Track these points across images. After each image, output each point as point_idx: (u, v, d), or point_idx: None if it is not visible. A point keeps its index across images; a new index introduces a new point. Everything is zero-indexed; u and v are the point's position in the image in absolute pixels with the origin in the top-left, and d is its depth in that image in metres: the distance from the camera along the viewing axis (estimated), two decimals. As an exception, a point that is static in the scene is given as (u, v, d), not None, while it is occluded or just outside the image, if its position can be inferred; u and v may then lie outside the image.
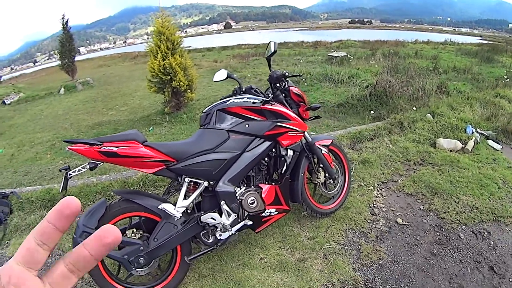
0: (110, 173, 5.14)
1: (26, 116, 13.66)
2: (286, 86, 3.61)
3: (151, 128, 8.69)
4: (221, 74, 3.43)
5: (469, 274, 3.22)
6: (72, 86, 18.85)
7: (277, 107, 3.31)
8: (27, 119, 13.06)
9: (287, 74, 3.54)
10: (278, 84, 3.53)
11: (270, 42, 3.52)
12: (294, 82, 11.05)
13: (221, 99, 3.37)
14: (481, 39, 55.14)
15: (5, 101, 19.01)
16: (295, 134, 3.42)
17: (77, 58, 23.95)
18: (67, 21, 22.12)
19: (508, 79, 11.10)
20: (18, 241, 3.94)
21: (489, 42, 42.12)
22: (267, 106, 3.23)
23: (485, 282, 3.13)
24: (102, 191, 4.48)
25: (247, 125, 3.16)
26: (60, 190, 2.51)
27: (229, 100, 3.22)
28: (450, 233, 3.75)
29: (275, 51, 3.41)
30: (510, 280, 3.15)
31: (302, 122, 3.52)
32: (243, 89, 3.49)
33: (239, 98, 3.26)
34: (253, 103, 3.22)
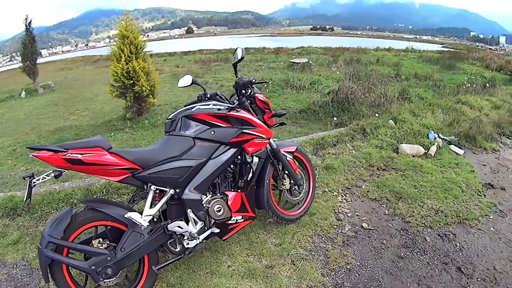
0: (73, 180, 5.02)
1: None
2: (252, 92, 3.61)
3: (112, 134, 8.59)
4: (186, 80, 3.41)
5: (437, 276, 3.30)
6: (33, 89, 18.55)
7: (243, 113, 3.32)
8: None
9: (254, 81, 3.53)
10: (244, 91, 3.53)
11: (237, 48, 3.51)
12: (258, 88, 11.14)
13: (185, 105, 3.36)
14: (442, 47, 56.86)
15: (-36, 104, 18.36)
16: (260, 141, 3.43)
17: (38, 60, 23.37)
18: (30, 22, 21.65)
19: (469, 85, 11.46)
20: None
21: (451, 49, 43.52)
22: (233, 112, 3.24)
23: (453, 283, 3.22)
24: (65, 198, 4.35)
25: (212, 132, 3.15)
26: (24, 199, 2.47)
27: (194, 107, 3.20)
28: (416, 237, 3.84)
29: (242, 58, 3.41)
30: (478, 279, 3.26)
31: (267, 129, 3.54)
32: (208, 95, 3.47)
33: (205, 105, 3.24)
34: (219, 109, 3.21)
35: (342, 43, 40.75)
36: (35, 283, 3.29)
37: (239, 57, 3.42)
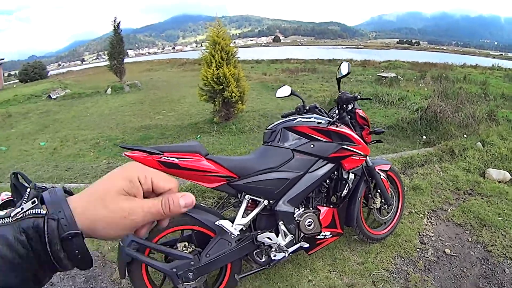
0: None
1: (72, 112, 13.87)
2: (353, 108, 3.51)
3: (198, 136, 8.74)
4: (285, 91, 3.40)
5: (510, 311, 3.10)
6: (119, 87, 19.27)
7: (343, 129, 3.22)
8: (72, 115, 13.28)
9: (358, 96, 3.44)
10: (345, 106, 3.43)
11: (342, 63, 3.40)
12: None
13: (282, 116, 3.33)
14: (529, 65, 53.37)
15: (51, 95, 19.54)
16: (358, 158, 3.32)
17: (125, 60, 24.20)
18: (118, 24, 22.35)
19: None
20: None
21: (538, 68, 40.73)
22: (334, 127, 3.15)
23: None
24: None
25: (312, 146, 3.06)
26: None
27: (296, 119, 3.13)
28: (496, 267, 3.63)
29: (348, 73, 3.31)
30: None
31: (365, 146, 3.43)
32: (307, 107, 3.41)
33: (306, 117, 3.16)
34: (319, 123, 3.14)
35: (428, 58, 39.24)
36: (107, 275, 3.39)
37: (344, 73, 3.32)
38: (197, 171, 2.52)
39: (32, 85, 25.29)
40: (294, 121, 3.11)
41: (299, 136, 3.08)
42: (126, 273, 2.63)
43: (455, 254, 3.84)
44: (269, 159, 2.92)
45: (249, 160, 2.92)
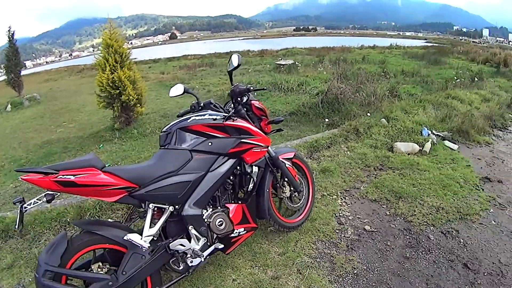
0: (64, 197, 4.94)
1: None
2: (248, 100, 3.53)
3: (101, 145, 8.49)
4: (178, 89, 3.34)
5: (444, 274, 3.29)
6: (19, 102, 18.33)
7: (240, 122, 3.24)
8: None
9: (251, 88, 3.45)
10: (239, 99, 3.45)
11: (232, 55, 3.41)
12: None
13: (178, 116, 3.29)
14: (426, 42, 57.38)
15: None
16: (259, 150, 3.35)
17: (23, 72, 23.11)
18: (13, 34, 21.30)
19: (457, 80, 11.51)
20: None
21: (435, 44, 43.73)
22: (230, 122, 3.15)
23: (461, 280, 3.21)
24: (58, 217, 4.23)
25: (210, 143, 3.05)
26: (17, 226, 2.36)
27: (190, 118, 3.11)
28: (419, 236, 3.84)
29: (238, 65, 3.32)
30: (485, 274, 3.27)
31: (266, 137, 3.47)
32: (202, 104, 3.39)
33: (200, 115, 3.15)
34: (214, 119, 3.13)
35: (326, 42, 40.78)
36: None
37: (235, 65, 3.33)
38: (95, 186, 2.45)
39: None
40: (188, 121, 3.08)
41: (195, 136, 3.07)
42: None
43: (375, 230, 4.01)
44: (167, 163, 2.88)
45: (147, 167, 2.85)
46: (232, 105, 3.52)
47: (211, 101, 3.45)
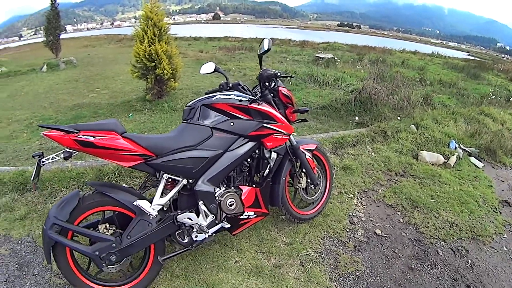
0: (86, 159, 4.99)
1: (6, 92, 13.50)
2: (275, 86, 3.52)
3: (130, 114, 8.62)
4: (209, 67, 3.32)
5: (445, 292, 3.21)
6: (55, 64, 18.79)
7: (265, 107, 3.23)
8: (6, 95, 12.93)
9: (278, 74, 3.42)
10: (267, 83, 3.44)
11: (264, 39, 3.40)
12: (281, 81, 11.11)
13: (206, 93, 3.29)
14: (468, 55, 56.39)
15: (-14, 74, 18.62)
16: (280, 137, 3.34)
17: (62, 36, 23.81)
18: None
19: (493, 97, 11.26)
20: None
21: (476, 58, 42.94)
22: (254, 105, 3.15)
23: (461, 301, 3.13)
24: (77, 177, 4.32)
25: (232, 124, 3.06)
26: (32, 178, 2.42)
27: (215, 96, 3.12)
28: (428, 249, 3.75)
29: (268, 49, 3.31)
30: (486, 300, 3.16)
31: (288, 125, 3.45)
32: (230, 85, 3.39)
33: (226, 95, 3.15)
34: (240, 100, 3.13)
35: (369, 41, 40.25)
36: (39, 261, 3.27)
37: (265, 48, 3.32)
38: (113, 149, 2.51)
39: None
40: (213, 98, 3.09)
41: (219, 114, 3.07)
42: (52, 257, 2.56)
43: (386, 235, 3.94)
44: (187, 137, 2.91)
45: (167, 138, 2.89)
46: (259, 89, 3.50)
47: (239, 83, 3.44)
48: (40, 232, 3.49)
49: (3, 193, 4.16)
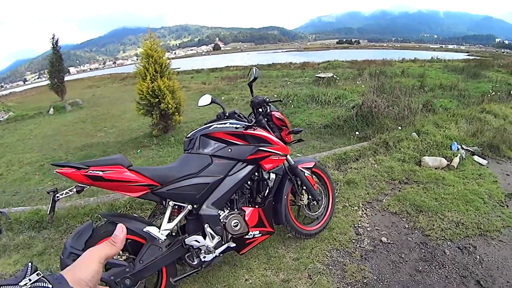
0: (98, 195, 5.19)
1: (16, 136, 13.75)
2: (268, 110, 3.70)
3: (139, 150, 8.76)
4: (205, 99, 3.50)
5: (454, 289, 3.26)
6: (61, 106, 19.01)
7: (259, 131, 3.39)
8: (16, 139, 13.14)
9: (267, 99, 3.64)
10: (260, 109, 3.63)
11: (252, 68, 3.65)
12: (282, 105, 11.22)
13: (204, 124, 3.43)
14: (468, 55, 56.26)
15: (-5, 119, 18.90)
16: (277, 158, 3.49)
17: (66, 78, 24.05)
18: (57, 41, 22.32)
19: (493, 94, 11.26)
20: (6, 261, 3.97)
21: (476, 57, 42.80)
22: (249, 131, 3.31)
23: (471, 296, 3.16)
24: (90, 213, 4.52)
25: (229, 150, 3.22)
26: (48, 212, 2.59)
27: (212, 126, 3.28)
28: (435, 250, 3.80)
29: (256, 77, 3.54)
30: (497, 293, 3.19)
31: (284, 146, 3.60)
32: (227, 114, 3.56)
33: (222, 124, 3.32)
34: (236, 128, 3.29)
35: (368, 55, 40.57)
36: None
37: (254, 77, 3.56)
38: (121, 181, 2.67)
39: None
40: (210, 128, 3.27)
41: (216, 142, 3.25)
42: None
43: (392, 242, 4.00)
44: (189, 166, 3.07)
45: (170, 168, 3.05)
46: (254, 116, 3.66)
47: (235, 111, 3.61)
48: (58, 266, 3.65)
49: (20, 231, 4.37)
